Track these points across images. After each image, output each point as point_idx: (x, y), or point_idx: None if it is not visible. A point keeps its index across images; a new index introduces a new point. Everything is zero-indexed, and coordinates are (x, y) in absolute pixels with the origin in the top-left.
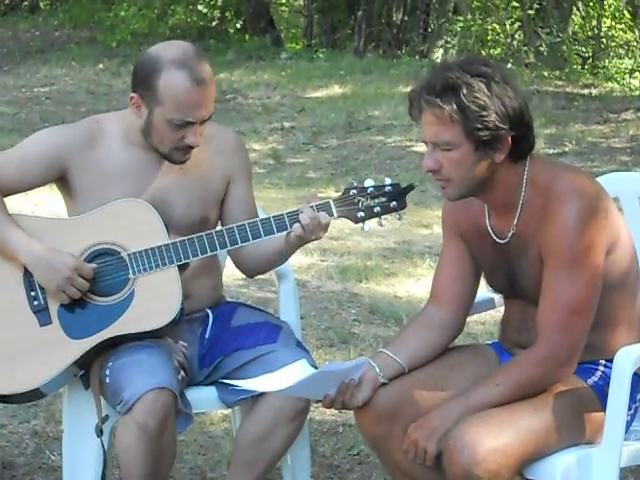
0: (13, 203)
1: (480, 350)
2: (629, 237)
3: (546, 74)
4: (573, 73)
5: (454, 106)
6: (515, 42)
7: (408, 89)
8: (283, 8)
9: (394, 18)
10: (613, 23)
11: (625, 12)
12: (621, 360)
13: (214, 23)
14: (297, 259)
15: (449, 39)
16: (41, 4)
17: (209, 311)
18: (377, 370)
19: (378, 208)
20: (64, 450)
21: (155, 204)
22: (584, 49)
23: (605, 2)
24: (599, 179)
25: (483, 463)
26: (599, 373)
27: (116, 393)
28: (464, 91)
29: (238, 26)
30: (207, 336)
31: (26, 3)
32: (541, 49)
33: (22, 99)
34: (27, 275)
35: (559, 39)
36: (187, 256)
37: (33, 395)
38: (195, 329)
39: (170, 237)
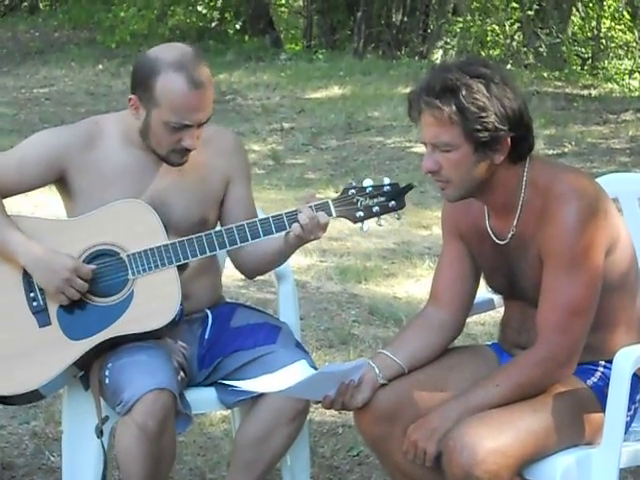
0: (12, 204)
1: (480, 351)
2: (629, 238)
3: (545, 75)
4: (573, 74)
5: (453, 107)
6: (514, 43)
7: (407, 90)
8: (283, 9)
9: (393, 19)
10: (612, 24)
11: (625, 13)
12: (620, 361)
13: (214, 24)
14: (296, 260)
15: (448, 40)
16: (40, 5)
17: (208, 312)
18: (377, 371)
19: (377, 208)
20: (64, 451)
21: (154, 205)
22: (584, 50)
23: (605, 3)
24: (599, 180)
25: (483, 464)
26: (598, 374)
27: (116, 394)
28: (463, 92)
29: (238, 27)
30: (206, 337)
31: (26, 4)
32: (540, 50)
33: (22, 100)
34: (26, 276)
35: (559, 40)
36: (186, 257)
37: (32, 396)
38: (194, 330)
39: (169, 238)
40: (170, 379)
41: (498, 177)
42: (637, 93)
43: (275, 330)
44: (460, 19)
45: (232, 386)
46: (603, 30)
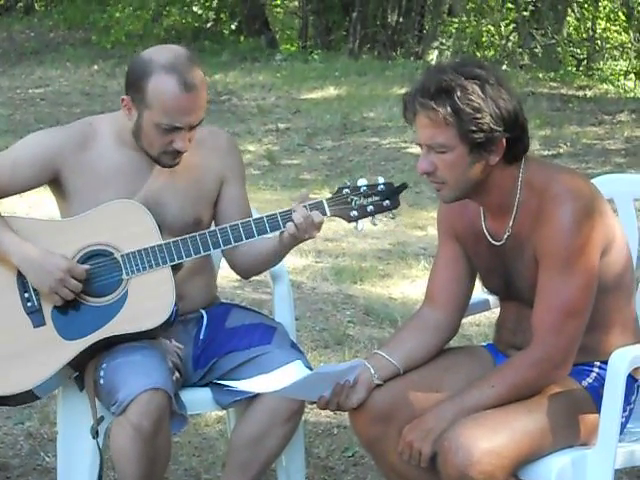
0: (7, 205)
1: (475, 352)
2: (624, 239)
3: (541, 76)
4: (568, 75)
5: (448, 109)
6: (510, 44)
7: (403, 90)
8: (278, 9)
9: (389, 20)
10: (608, 25)
11: (620, 14)
12: (616, 362)
13: (209, 24)
14: (292, 260)
15: (444, 41)
16: (36, 5)
17: (203, 312)
18: (372, 371)
19: (371, 207)
20: (59, 451)
21: (148, 205)
22: (579, 51)
23: (600, 4)
24: (594, 181)
25: (478, 464)
26: (594, 375)
27: (110, 394)
28: (458, 94)
29: (233, 27)
30: (201, 337)
31: (21, 4)
32: (536, 51)
33: (17, 100)
34: (20, 277)
35: (554, 41)
36: (180, 256)
37: (27, 397)
38: (190, 330)
39: (163, 238)
40: (165, 379)
41: (493, 178)
42: (632, 94)
43: (270, 330)
44: (455, 20)
45: (227, 386)
46: (598, 31)
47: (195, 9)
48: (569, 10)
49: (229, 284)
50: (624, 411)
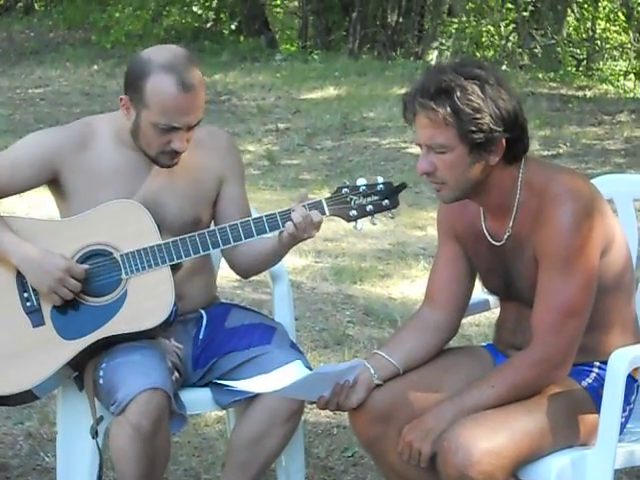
0: (7, 205)
1: (475, 352)
2: (624, 239)
3: (540, 76)
4: (567, 75)
5: (448, 109)
6: (510, 44)
7: (403, 91)
8: (278, 9)
9: (389, 20)
10: (607, 25)
11: (619, 14)
12: (615, 362)
13: (209, 24)
14: (292, 260)
15: (444, 41)
16: (36, 5)
17: (203, 312)
18: (372, 371)
19: (370, 206)
20: (58, 452)
21: (147, 205)
22: (578, 51)
23: (599, 4)
24: (594, 181)
25: (477, 465)
26: (593, 375)
27: (110, 394)
28: (458, 94)
29: (233, 27)
30: (201, 337)
31: (21, 4)
32: (535, 51)
33: (16, 100)
34: (20, 277)
35: (554, 41)
36: (180, 256)
37: (26, 397)
38: (189, 330)
39: (163, 238)
40: (164, 379)
41: (493, 178)
42: (632, 94)
43: (270, 331)
44: (455, 20)
45: (227, 386)
46: (598, 31)
47: (195, 9)
48: (569, 10)
49: (229, 284)
50: (624, 411)
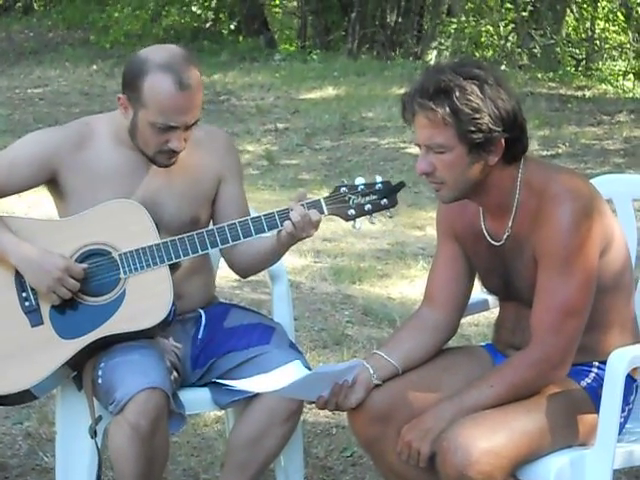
0: (6, 205)
1: (474, 352)
2: (623, 239)
3: (540, 76)
4: (567, 75)
5: (447, 109)
6: (509, 44)
7: (402, 91)
8: (277, 9)
9: (388, 20)
10: (607, 25)
11: (618, 14)
12: (614, 362)
13: (208, 24)
14: (291, 260)
15: (443, 41)
16: (35, 5)
17: (202, 312)
18: (371, 371)
19: (369, 206)
20: (57, 451)
21: (146, 204)
22: (578, 51)
23: (599, 4)
24: (593, 181)
25: (476, 464)
26: (592, 375)
27: (108, 393)
28: (457, 94)
29: (232, 27)
30: (200, 337)
31: (20, 4)
32: (535, 51)
33: (16, 100)
34: (18, 276)
35: (553, 41)
36: (178, 255)
37: (25, 396)
38: (188, 329)
39: (161, 237)
40: (162, 378)
41: (492, 178)
42: (631, 94)
43: (269, 330)
44: (454, 20)
45: (226, 386)
46: (597, 31)
47: (194, 9)
48: (568, 10)
49: (228, 284)
50: (623, 411)
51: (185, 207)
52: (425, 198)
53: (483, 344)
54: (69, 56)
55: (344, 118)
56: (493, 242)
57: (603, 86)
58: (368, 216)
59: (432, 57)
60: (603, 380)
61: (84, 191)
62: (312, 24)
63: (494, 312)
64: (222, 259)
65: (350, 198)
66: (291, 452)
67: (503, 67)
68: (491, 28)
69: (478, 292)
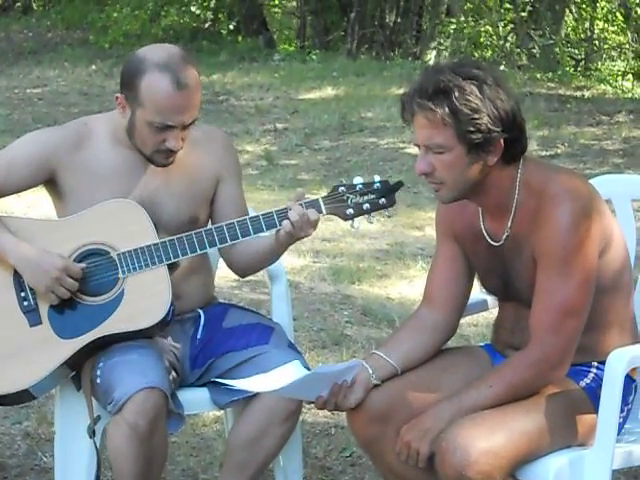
0: (5, 205)
1: (473, 352)
2: (622, 239)
3: (539, 76)
4: (566, 75)
5: (446, 109)
6: (508, 44)
7: (401, 91)
8: (276, 10)
9: (387, 20)
10: (606, 25)
11: (618, 14)
12: (613, 362)
13: (207, 24)
14: (290, 260)
15: (442, 41)
16: (34, 5)
17: (201, 312)
18: (370, 372)
19: (367, 205)
20: (56, 451)
21: (144, 204)
22: (577, 51)
23: (598, 4)
24: (592, 181)
25: (475, 465)
26: (591, 375)
27: (107, 393)
28: (456, 94)
29: (231, 27)
30: (199, 337)
31: (19, 4)
32: (534, 51)
33: (15, 100)
34: (17, 276)
35: (552, 41)
36: (176, 255)
37: (23, 396)
38: (187, 329)
39: (159, 237)
40: (161, 378)
41: (491, 178)
42: (630, 94)
43: (268, 331)
44: (453, 20)
45: (225, 386)
46: (596, 31)
47: (193, 9)
48: (567, 11)
49: (227, 284)
50: (622, 411)
51: (183, 207)
52: (424, 198)
53: (482, 344)
54: (68, 56)
55: (343, 118)
56: (492, 242)
57: (602, 86)
58: (366, 215)
59: (431, 57)
60: (602, 380)
61: (82, 191)
62: (311, 24)
63: (493, 312)
64: (221, 259)
65: (348, 198)
66: (290, 452)
67: (502, 67)
68: (490, 28)
69: (477, 292)
